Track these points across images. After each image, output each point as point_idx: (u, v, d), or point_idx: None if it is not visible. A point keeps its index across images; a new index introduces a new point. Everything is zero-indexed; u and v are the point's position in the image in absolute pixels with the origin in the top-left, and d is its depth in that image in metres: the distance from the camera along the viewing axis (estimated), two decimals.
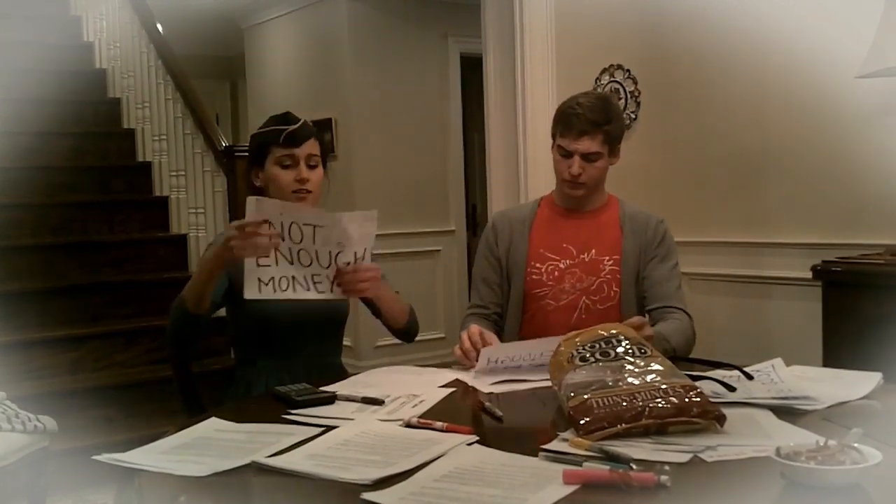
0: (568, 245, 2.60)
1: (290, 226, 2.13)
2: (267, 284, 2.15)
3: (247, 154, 4.58)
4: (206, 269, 2.16)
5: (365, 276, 2.24)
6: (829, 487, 1.24)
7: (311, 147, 2.38)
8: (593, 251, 2.58)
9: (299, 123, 2.38)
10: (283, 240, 2.13)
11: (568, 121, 2.54)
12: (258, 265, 2.14)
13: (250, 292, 2.14)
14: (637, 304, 2.56)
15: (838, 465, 1.25)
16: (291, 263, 2.17)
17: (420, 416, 1.71)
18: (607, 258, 2.57)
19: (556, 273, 2.58)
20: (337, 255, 2.20)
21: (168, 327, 2.31)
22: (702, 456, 1.42)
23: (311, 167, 2.38)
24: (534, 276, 2.59)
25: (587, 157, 2.52)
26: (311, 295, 2.21)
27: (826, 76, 3.37)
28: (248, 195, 2.32)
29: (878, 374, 1.89)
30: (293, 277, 2.18)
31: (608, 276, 2.56)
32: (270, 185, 2.38)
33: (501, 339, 2.57)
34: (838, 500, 1.23)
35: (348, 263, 2.21)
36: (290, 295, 2.19)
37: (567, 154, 2.55)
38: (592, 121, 2.51)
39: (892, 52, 2.86)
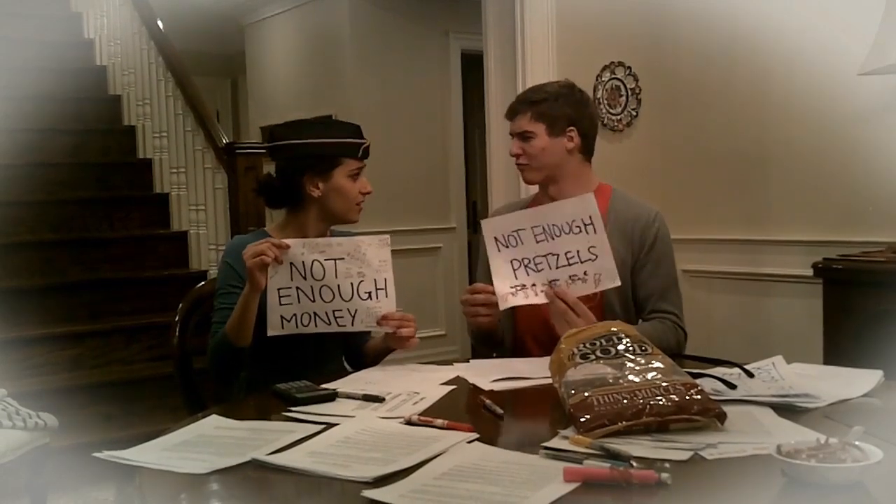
0: None
1: (312, 264, 2.20)
2: (289, 321, 2.23)
3: (248, 153, 4.65)
4: (243, 302, 2.20)
5: (413, 326, 2.31)
6: (830, 485, 1.24)
7: None
8: None
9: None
10: (305, 278, 2.20)
11: (509, 105, 2.58)
12: (280, 304, 2.20)
13: (273, 329, 2.22)
14: (622, 307, 2.47)
15: (839, 464, 1.25)
16: (313, 301, 2.23)
17: (420, 414, 1.71)
18: None
19: None
20: (359, 284, 2.24)
21: (212, 365, 2.32)
22: (702, 454, 1.42)
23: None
24: None
25: (521, 137, 2.50)
26: (333, 329, 2.27)
27: (828, 73, 3.37)
28: (255, 195, 2.34)
29: (879, 372, 1.89)
30: (315, 313, 2.24)
31: None
32: (336, 196, 2.35)
33: (498, 339, 2.57)
34: (839, 498, 1.23)
35: (369, 293, 2.25)
36: (311, 330, 2.25)
37: (512, 136, 2.56)
38: (521, 99, 2.53)
39: (894, 49, 2.86)
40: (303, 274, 2.20)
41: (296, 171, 2.35)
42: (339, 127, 2.41)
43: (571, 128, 2.51)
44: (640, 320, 2.49)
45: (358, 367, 2.44)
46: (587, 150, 2.56)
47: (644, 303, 2.50)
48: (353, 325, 2.27)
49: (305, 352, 2.33)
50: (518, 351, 2.53)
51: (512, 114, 2.54)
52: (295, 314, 2.22)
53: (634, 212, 2.53)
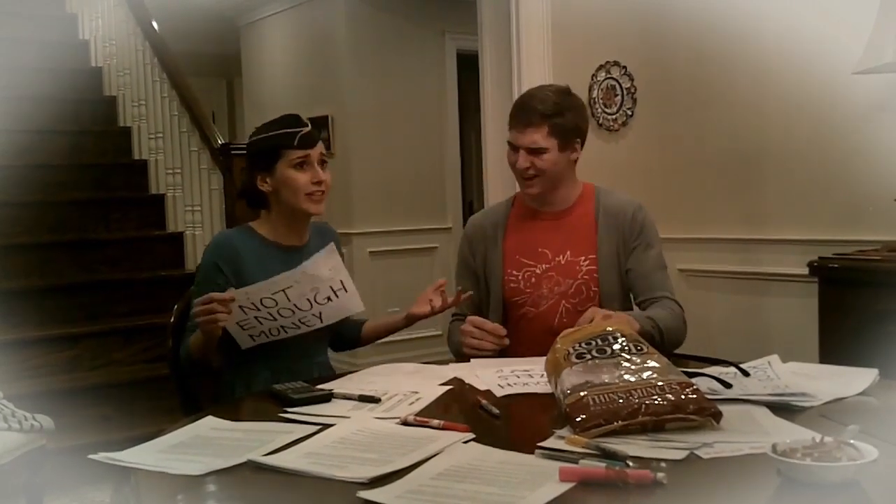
0: (543, 249, 2.53)
1: (262, 300, 2.18)
2: (259, 336, 2.26)
3: (244, 154, 4.64)
4: (203, 344, 2.23)
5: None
6: (826, 484, 1.24)
7: (321, 147, 2.40)
8: (568, 253, 2.51)
9: (309, 125, 2.40)
10: (259, 310, 2.19)
11: (515, 112, 2.50)
12: (243, 329, 2.22)
13: (245, 345, 2.27)
14: (620, 301, 2.49)
15: (834, 462, 1.25)
16: (275, 320, 2.23)
17: (417, 414, 1.71)
18: (583, 258, 2.49)
19: (534, 279, 2.51)
20: (315, 296, 2.24)
21: (184, 367, 2.38)
22: (698, 453, 1.42)
23: (323, 167, 2.39)
24: (511, 285, 2.53)
25: (533, 151, 2.45)
26: (304, 331, 2.30)
27: (823, 73, 3.37)
28: (237, 198, 2.38)
29: (875, 371, 1.89)
30: (281, 326, 2.26)
31: (586, 277, 2.48)
32: (284, 189, 2.35)
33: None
34: (834, 496, 1.23)
35: (328, 298, 2.25)
36: (284, 336, 2.29)
37: (515, 148, 2.49)
38: (538, 111, 2.45)
39: (889, 48, 2.86)
40: (256, 307, 2.19)
41: (249, 171, 2.43)
42: (279, 121, 2.41)
43: (578, 140, 2.52)
44: (636, 306, 2.50)
45: (348, 347, 2.60)
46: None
47: (635, 284, 2.50)
48: (322, 322, 2.30)
49: (287, 351, 2.36)
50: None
51: (523, 124, 2.47)
52: (262, 331, 2.25)
53: (620, 204, 2.56)
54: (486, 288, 2.60)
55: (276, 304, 2.19)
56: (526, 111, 2.48)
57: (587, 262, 2.49)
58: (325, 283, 2.23)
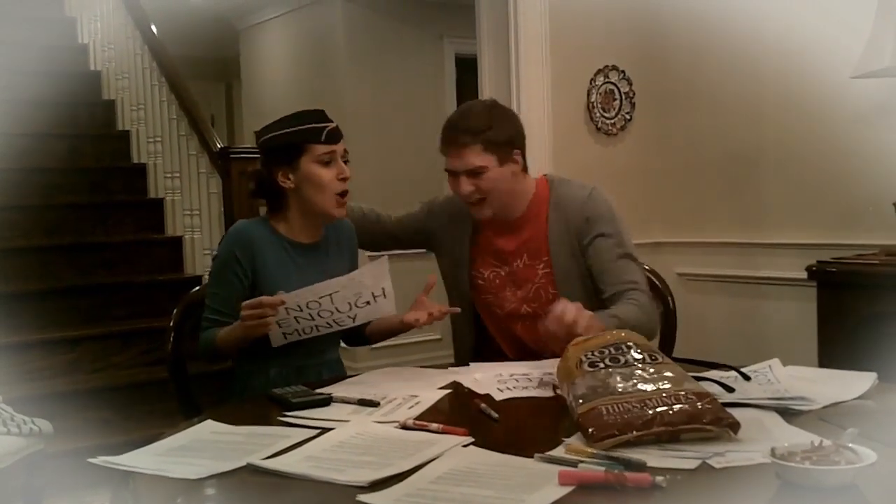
0: (503, 253, 2.49)
1: (307, 303, 2.17)
2: (291, 335, 2.25)
3: (243, 157, 4.65)
4: (239, 339, 2.21)
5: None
6: (824, 488, 1.25)
7: (344, 143, 2.38)
8: (525, 257, 2.45)
9: (334, 121, 2.37)
10: (301, 311, 2.18)
11: (445, 136, 2.39)
12: (280, 326, 2.21)
13: (277, 343, 2.25)
14: (586, 299, 2.27)
15: (833, 466, 1.25)
16: (312, 319, 2.23)
17: (416, 418, 1.71)
18: (538, 262, 2.44)
19: (498, 281, 2.49)
20: (356, 300, 2.24)
21: (202, 355, 2.36)
22: (710, 462, 1.40)
23: (346, 164, 2.37)
24: (479, 281, 2.51)
25: (472, 173, 2.34)
26: (335, 329, 2.31)
27: (821, 77, 3.38)
28: (251, 198, 2.37)
29: (874, 374, 1.89)
30: (315, 326, 2.26)
31: (542, 281, 2.43)
32: (308, 186, 2.31)
33: (454, 342, 2.61)
34: (833, 500, 1.24)
35: (368, 302, 2.25)
36: (314, 334, 2.28)
37: (454, 174, 2.38)
38: (468, 129, 2.34)
39: (887, 52, 2.87)
40: (300, 309, 2.18)
41: (268, 166, 2.37)
42: (302, 115, 2.39)
43: (516, 150, 2.40)
44: (605, 302, 2.34)
45: (358, 343, 2.58)
46: (525, 164, 2.46)
47: (598, 279, 2.38)
48: (354, 323, 2.31)
49: (297, 349, 2.34)
50: (489, 351, 2.53)
51: (456, 146, 2.36)
52: (296, 329, 2.24)
53: (569, 198, 2.44)
54: (443, 274, 2.62)
55: (320, 306, 2.19)
56: (456, 132, 2.36)
57: (542, 265, 2.44)
58: (368, 290, 2.23)
